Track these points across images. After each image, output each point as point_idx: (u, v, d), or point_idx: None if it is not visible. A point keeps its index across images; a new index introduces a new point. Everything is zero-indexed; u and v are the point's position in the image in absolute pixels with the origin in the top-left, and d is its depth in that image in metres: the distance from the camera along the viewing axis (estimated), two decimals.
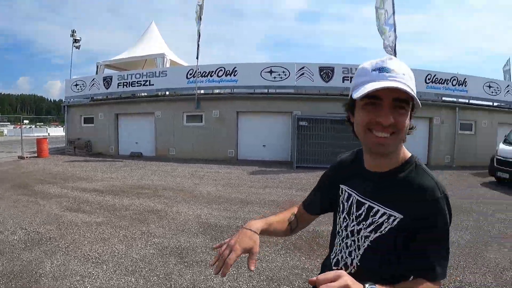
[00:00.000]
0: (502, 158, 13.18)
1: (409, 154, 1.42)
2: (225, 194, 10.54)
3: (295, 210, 1.83)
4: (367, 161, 1.47)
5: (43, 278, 4.84)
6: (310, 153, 16.13)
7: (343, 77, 17.94)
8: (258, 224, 1.56)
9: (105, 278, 4.86)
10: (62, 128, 58.13)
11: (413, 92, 1.22)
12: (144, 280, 4.81)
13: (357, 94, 1.25)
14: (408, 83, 1.22)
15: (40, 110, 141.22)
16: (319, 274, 1.40)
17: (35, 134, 45.01)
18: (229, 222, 7.59)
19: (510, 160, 12.81)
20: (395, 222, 1.31)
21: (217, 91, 20.03)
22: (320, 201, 1.77)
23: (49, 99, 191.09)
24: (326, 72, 18.08)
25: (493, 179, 13.86)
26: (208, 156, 18.42)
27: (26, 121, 64.88)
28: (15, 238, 6.63)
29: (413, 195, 1.30)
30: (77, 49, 27.12)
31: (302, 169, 15.12)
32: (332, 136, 15.90)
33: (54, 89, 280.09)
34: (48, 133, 47.97)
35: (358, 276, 1.24)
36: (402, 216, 1.30)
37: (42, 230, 7.13)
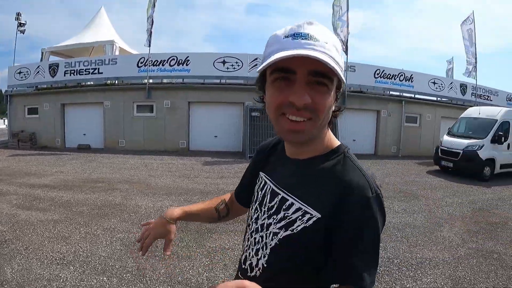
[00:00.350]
0: (446, 149, 14.26)
1: (337, 143, 1.22)
2: (182, 185, 10.48)
3: (227, 197, 1.73)
4: (287, 146, 1.29)
5: (6, 286, 4.56)
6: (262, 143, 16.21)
7: None
8: (175, 213, 1.57)
9: (75, 280, 4.63)
10: (3, 120, 55.48)
11: (336, 64, 0.99)
12: (117, 279, 4.64)
13: (259, 67, 1.05)
14: (332, 54, 1.00)
15: None
16: (237, 272, 1.42)
17: None
18: None
19: (453, 150, 13.81)
20: (311, 221, 1.09)
21: (168, 80, 19.74)
22: (246, 191, 1.56)
23: None
24: None
25: (437, 167, 14.85)
26: (159, 148, 18.20)
27: None
28: None
29: (337, 192, 1.07)
30: (21, 34, 25.76)
31: None
32: None
33: None
34: None
35: (265, 279, 1.19)
36: (320, 216, 1.08)
37: None
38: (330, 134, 1.23)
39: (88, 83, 20.87)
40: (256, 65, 17.99)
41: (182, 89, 18.71)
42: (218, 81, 18.97)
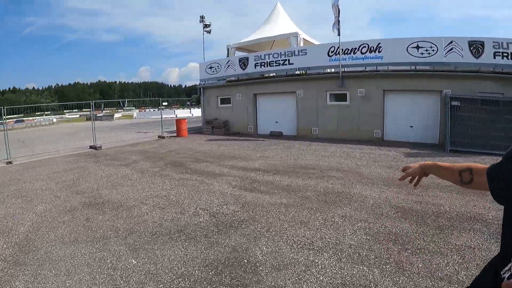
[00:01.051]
0: None
1: None
2: (396, 177, 9.75)
3: (475, 167, 1.68)
4: None
5: (260, 268, 4.62)
6: (463, 135, 14.73)
7: (494, 53, 16.05)
8: (427, 164, 1.99)
9: (334, 268, 4.54)
10: (187, 109, 62.36)
11: None
12: (378, 270, 4.43)
13: None
14: None
15: (161, 95, 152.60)
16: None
17: (163, 116, 47.57)
18: (422, 207, 6.86)
19: None
20: None
21: (360, 68, 18.98)
22: (504, 188, 1.38)
23: (169, 85, 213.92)
24: (476, 47, 16.40)
25: None
26: (352, 136, 17.80)
27: (165, 103, 72.16)
28: (201, 220, 6.63)
29: None
30: (208, 34, 27.51)
31: (456, 153, 13.76)
32: (485, 118, 14.37)
33: (173, 76, 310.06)
34: (176, 115, 50.53)
35: None
36: None
37: (226, 211, 7.10)
38: None
39: (272, 74, 21.73)
40: (452, 49, 16.52)
41: (376, 77, 17.88)
42: (412, 67, 17.61)
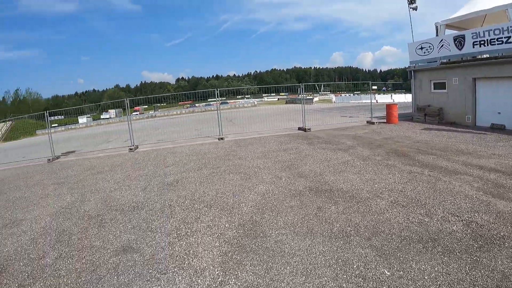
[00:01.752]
0: None
1: None
2: None
3: None
4: None
5: None
6: None
7: None
8: None
9: None
10: (387, 95, 62.08)
11: None
12: None
13: None
14: None
15: (356, 79, 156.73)
16: None
17: (363, 101, 48.13)
18: None
19: None
20: None
21: None
22: None
23: (364, 69, 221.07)
24: None
25: None
26: None
27: (374, 87, 75.26)
28: (455, 229, 5.89)
29: None
30: (414, 11, 26.31)
31: None
32: None
33: (366, 60, 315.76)
34: (376, 100, 50.57)
35: None
36: None
37: (480, 221, 6.15)
38: None
39: (485, 55, 19.64)
40: None
41: None
42: None
